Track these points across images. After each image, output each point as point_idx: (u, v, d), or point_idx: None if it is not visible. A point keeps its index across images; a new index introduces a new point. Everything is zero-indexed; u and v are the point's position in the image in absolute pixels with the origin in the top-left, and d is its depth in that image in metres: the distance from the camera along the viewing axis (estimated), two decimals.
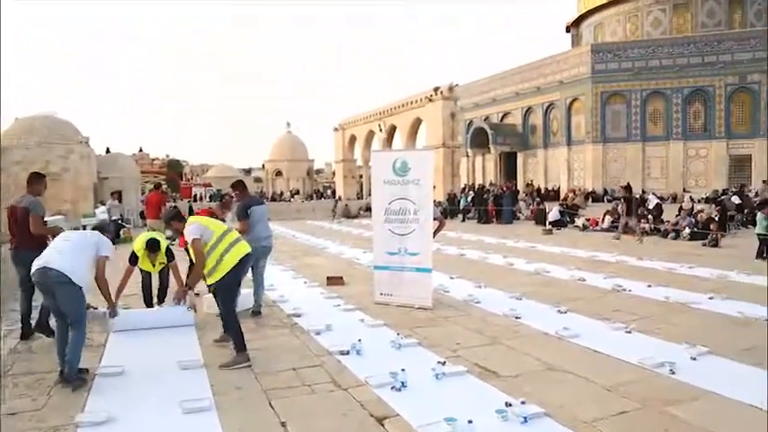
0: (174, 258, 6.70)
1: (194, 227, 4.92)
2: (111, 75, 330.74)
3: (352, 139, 40.38)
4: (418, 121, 31.84)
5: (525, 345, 5.33)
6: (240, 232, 6.16)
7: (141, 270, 6.85)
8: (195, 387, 4.23)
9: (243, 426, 3.61)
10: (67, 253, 4.51)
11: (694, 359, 4.74)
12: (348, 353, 5.03)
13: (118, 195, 21.78)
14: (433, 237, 7.46)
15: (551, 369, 4.64)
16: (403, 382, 4.15)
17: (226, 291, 4.99)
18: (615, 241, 14.75)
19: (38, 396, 4.16)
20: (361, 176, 42.18)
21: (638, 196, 22.53)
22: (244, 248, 5.04)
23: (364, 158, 38.56)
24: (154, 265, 6.79)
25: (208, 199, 39.68)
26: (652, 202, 19.48)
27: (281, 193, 47.21)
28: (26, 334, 5.75)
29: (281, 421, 3.67)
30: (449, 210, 24.84)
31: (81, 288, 4.45)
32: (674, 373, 4.40)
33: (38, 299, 6.05)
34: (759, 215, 11.91)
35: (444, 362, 4.65)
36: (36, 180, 5.89)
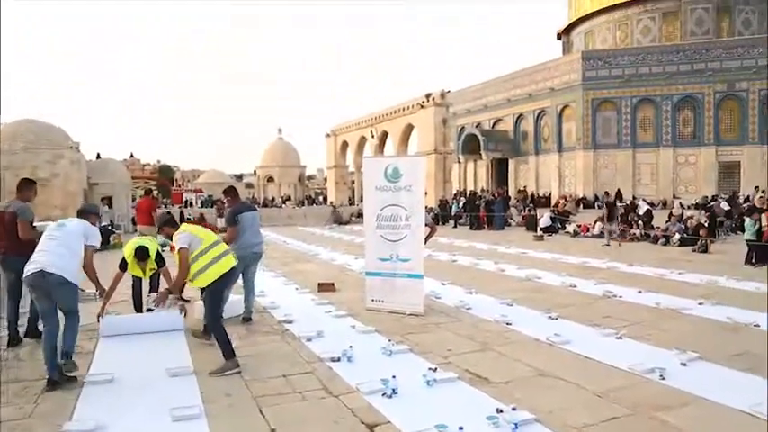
0: (164, 264, 6.67)
1: (183, 236, 4.97)
2: (102, 80, 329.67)
3: (344, 145, 40.46)
4: (410, 128, 31.97)
5: (516, 351, 5.34)
6: (228, 239, 6.20)
7: (132, 275, 6.81)
8: (185, 394, 4.20)
9: None
10: (63, 254, 4.61)
11: (684, 365, 4.76)
12: (339, 359, 5.01)
13: (108, 201, 21.66)
14: (425, 243, 7.47)
15: (542, 375, 4.64)
16: (394, 389, 4.14)
17: (210, 297, 5.01)
18: (606, 247, 14.84)
19: (24, 404, 4.10)
20: (353, 182, 42.19)
21: (628, 202, 22.79)
22: (230, 261, 5.08)
23: (356, 164, 38.61)
24: (144, 272, 6.76)
25: (199, 205, 39.58)
26: (642, 208, 19.63)
27: (273, 199, 47.11)
28: (13, 341, 5.69)
29: (272, 428, 3.64)
30: (440, 216, 24.90)
31: (76, 284, 4.65)
32: (664, 378, 4.41)
33: (25, 305, 6.02)
34: (747, 221, 12.01)
35: (435, 368, 4.65)
36: (26, 186, 5.89)
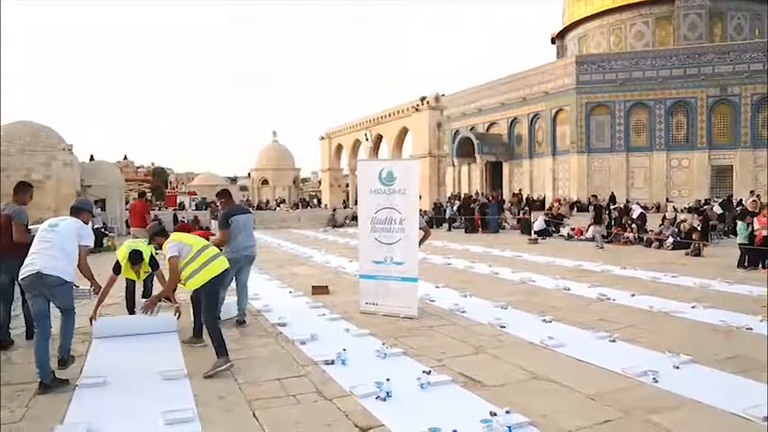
0: (158, 267, 6.67)
1: (173, 244, 5.08)
2: (95, 81, 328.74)
3: (339, 148, 40.40)
4: (405, 131, 31.94)
5: (510, 354, 5.34)
6: (219, 242, 6.23)
7: (126, 278, 6.79)
8: (178, 397, 4.18)
9: None
10: (58, 257, 4.65)
11: (677, 368, 4.78)
12: (333, 362, 5.01)
13: (102, 204, 21.55)
14: (419, 246, 7.47)
15: (536, 378, 4.65)
16: (388, 392, 4.14)
17: (206, 298, 5.05)
18: (600, 251, 14.88)
19: (16, 408, 4.07)
20: (347, 185, 42.13)
21: (622, 206, 22.88)
22: (221, 264, 5.16)
23: (351, 167, 38.56)
24: (138, 275, 6.75)
25: (193, 207, 39.43)
26: (636, 211, 19.67)
27: (267, 202, 47.01)
28: (4, 344, 5.65)
29: None
30: (435, 219, 24.91)
31: (72, 282, 4.76)
32: (657, 381, 4.43)
33: (16, 308, 5.99)
34: (740, 225, 12.07)
35: (429, 371, 4.65)
36: (22, 189, 5.90)
